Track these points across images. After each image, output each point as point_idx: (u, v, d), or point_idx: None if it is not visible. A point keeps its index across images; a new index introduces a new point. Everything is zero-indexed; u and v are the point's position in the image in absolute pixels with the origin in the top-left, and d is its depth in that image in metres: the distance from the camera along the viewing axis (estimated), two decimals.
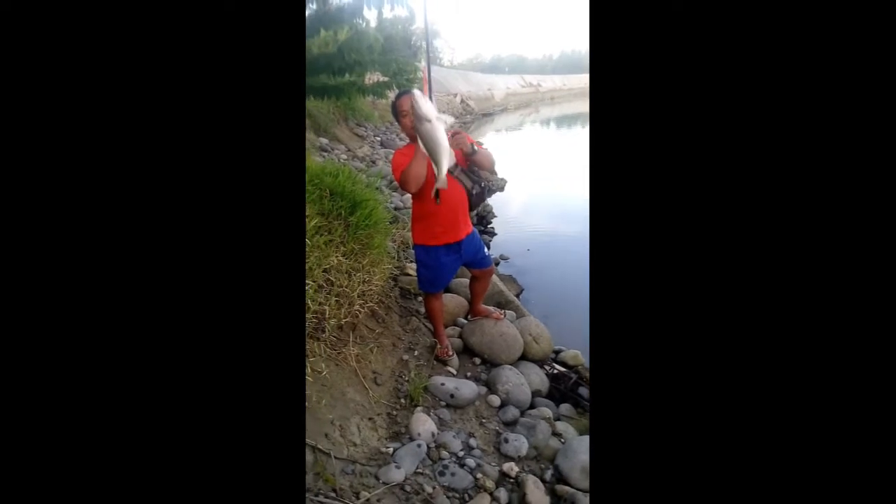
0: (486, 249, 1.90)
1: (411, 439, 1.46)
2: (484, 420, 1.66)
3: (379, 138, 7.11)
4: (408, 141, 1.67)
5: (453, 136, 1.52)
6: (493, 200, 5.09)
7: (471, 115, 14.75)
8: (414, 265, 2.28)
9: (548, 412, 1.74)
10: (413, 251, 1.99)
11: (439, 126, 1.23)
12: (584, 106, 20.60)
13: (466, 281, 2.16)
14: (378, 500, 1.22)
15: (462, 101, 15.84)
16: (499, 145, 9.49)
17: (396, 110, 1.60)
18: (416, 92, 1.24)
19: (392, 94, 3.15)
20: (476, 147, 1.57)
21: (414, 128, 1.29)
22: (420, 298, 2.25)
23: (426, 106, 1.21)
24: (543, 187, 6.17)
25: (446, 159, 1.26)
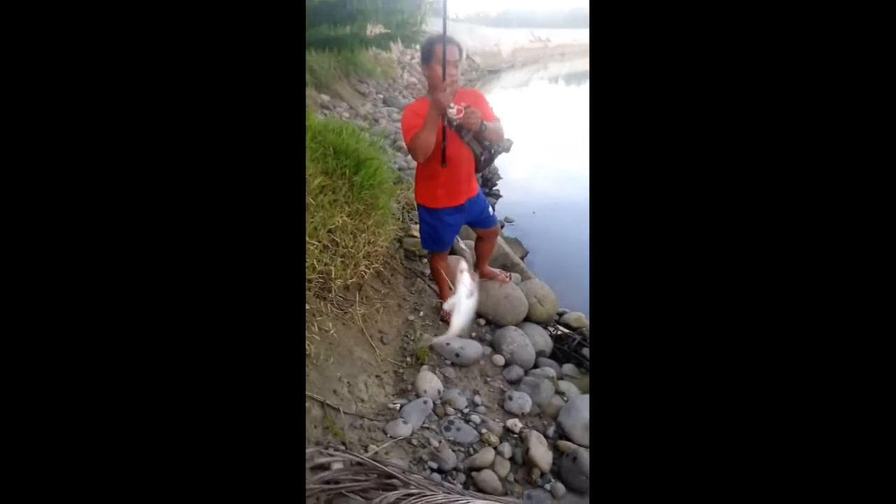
0: (490, 209, 1.86)
1: (417, 396, 1.50)
2: (488, 378, 1.70)
3: (381, 95, 6.85)
4: (413, 99, 1.59)
5: (465, 116, 1.43)
6: (499, 162, 4.95)
7: (476, 72, 14.14)
8: (418, 226, 2.26)
9: (551, 371, 1.78)
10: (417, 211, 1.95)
11: (471, 304, 1.13)
12: None
13: (472, 243, 2.14)
14: (386, 453, 1.26)
15: (467, 56, 15.17)
16: (505, 103, 9.16)
17: (430, 55, 1.45)
18: (464, 264, 1.14)
19: (396, 47, 2.99)
20: (487, 124, 1.49)
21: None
22: (425, 260, 2.25)
23: (466, 283, 1.12)
24: (550, 148, 6.01)
25: (458, 329, 1.17)
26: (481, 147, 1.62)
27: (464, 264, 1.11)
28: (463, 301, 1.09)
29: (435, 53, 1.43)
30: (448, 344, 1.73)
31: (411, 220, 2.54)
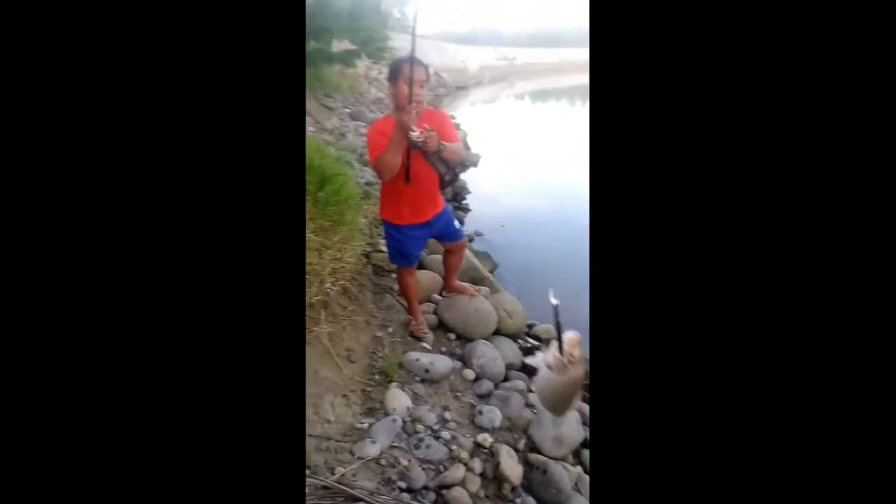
0: (456, 223, 1.88)
1: (386, 414, 1.47)
2: (458, 394, 1.69)
3: (348, 110, 6.82)
4: (380, 113, 1.58)
5: (426, 139, 1.44)
6: (468, 176, 5.03)
7: (444, 88, 14.40)
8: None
9: (521, 384, 1.78)
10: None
11: (554, 380, 0.78)
12: (559, 81, 20.45)
13: (441, 258, 2.14)
14: (353, 475, 1.22)
15: (435, 73, 15.43)
16: (474, 119, 9.35)
17: (398, 74, 1.45)
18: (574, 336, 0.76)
19: (362, 63, 3.01)
20: (445, 144, 1.51)
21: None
22: (394, 275, 2.23)
23: (553, 356, 0.78)
24: (518, 163, 6.16)
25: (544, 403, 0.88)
26: (445, 167, 1.63)
27: (555, 347, 0.76)
28: (542, 369, 0.79)
29: (402, 73, 1.44)
30: (417, 360, 1.71)
31: (379, 234, 2.52)
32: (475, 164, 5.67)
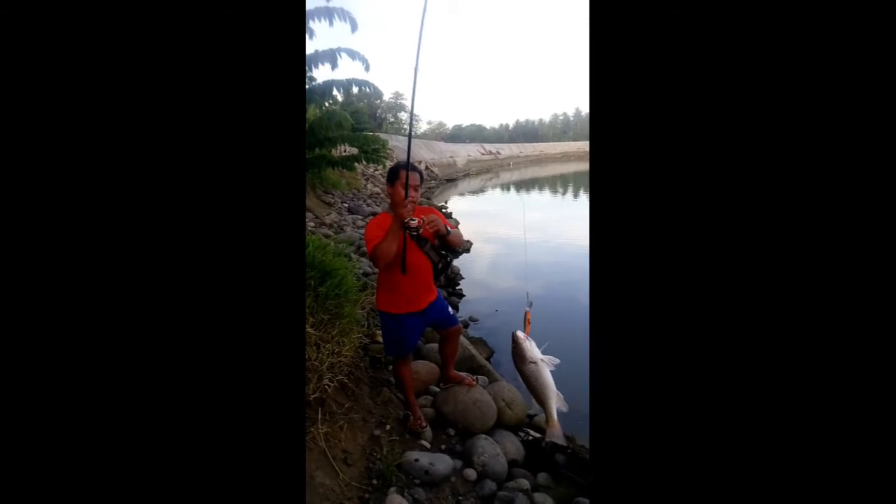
0: (450, 309, 1.93)
1: None
2: (461, 498, 1.59)
3: (346, 204, 7.22)
4: (377, 207, 1.72)
5: (429, 224, 1.59)
6: (460, 262, 5.19)
7: (435, 181, 15.44)
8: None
9: (525, 483, 1.69)
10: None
11: (544, 367, 1.18)
12: (540, 171, 22.06)
13: (437, 346, 2.15)
14: None
15: (427, 167, 16.67)
16: (464, 208, 9.88)
17: (395, 178, 1.63)
18: (520, 334, 1.20)
19: (360, 167, 3.30)
20: (450, 228, 1.66)
21: (517, 368, 1.25)
22: (391, 367, 2.21)
23: (530, 348, 1.18)
24: (507, 247, 6.40)
25: (554, 400, 1.21)
26: (438, 256, 1.74)
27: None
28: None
29: (399, 177, 1.62)
30: (417, 460, 1.64)
31: (376, 325, 2.54)
32: (467, 251, 5.88)
